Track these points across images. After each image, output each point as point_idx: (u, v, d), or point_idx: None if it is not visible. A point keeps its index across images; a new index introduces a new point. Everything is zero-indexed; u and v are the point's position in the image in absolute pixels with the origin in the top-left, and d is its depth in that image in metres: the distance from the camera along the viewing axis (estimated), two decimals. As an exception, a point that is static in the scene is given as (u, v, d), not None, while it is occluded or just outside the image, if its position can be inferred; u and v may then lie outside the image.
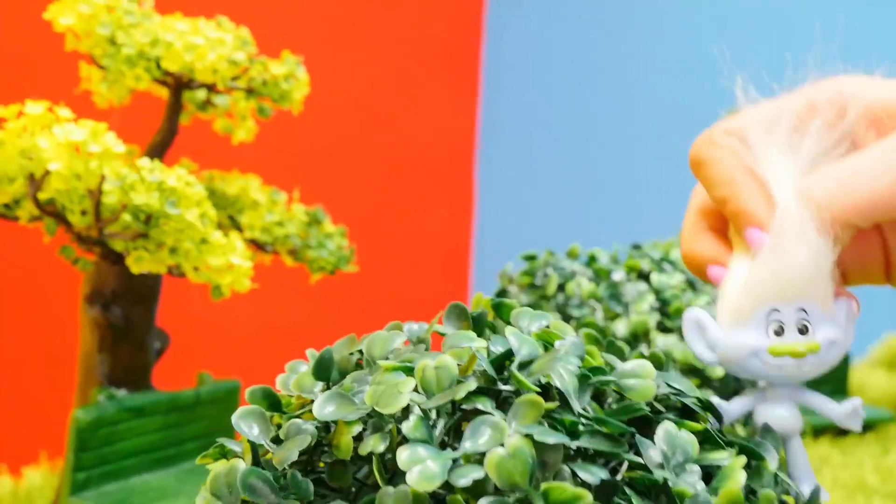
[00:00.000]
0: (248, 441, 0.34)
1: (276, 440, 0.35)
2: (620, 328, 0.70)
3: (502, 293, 0.79)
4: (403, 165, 1.57)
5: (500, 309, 0.41)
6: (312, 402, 0.34)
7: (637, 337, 0.69)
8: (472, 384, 0.32)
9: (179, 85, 0.67)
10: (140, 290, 0.67)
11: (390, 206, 1.53)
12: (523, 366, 0.34)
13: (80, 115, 0.65)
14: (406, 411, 0.32)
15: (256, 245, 0.75)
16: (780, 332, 0.37)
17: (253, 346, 1.13)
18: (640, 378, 0.37)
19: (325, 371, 0.36)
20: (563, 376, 0.33)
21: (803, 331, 0.37)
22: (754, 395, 0.39)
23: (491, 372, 0.33)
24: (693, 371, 0.70)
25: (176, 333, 0.75)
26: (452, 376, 0.32)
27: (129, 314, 0.66)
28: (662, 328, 0.70)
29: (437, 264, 1.68)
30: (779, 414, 0.38)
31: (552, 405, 0.31)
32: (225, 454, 0.37)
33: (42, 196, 0.56)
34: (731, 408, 0.39)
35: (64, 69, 0.72)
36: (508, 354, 0.34)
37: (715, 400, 0.39)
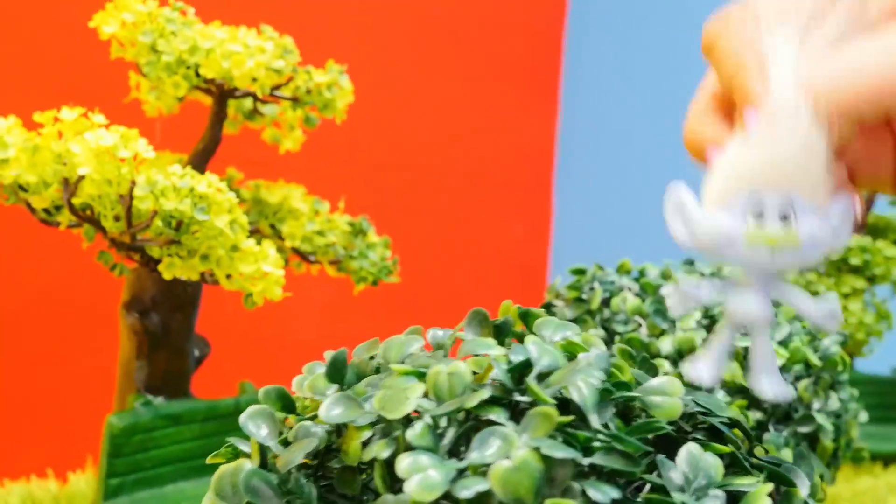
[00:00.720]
0: (256, 442, 0.34)
1: (287, 443, 0.34)
2: (666, 345, 0.68)
3: (547, 307, 0.77)
4: (476, 178, 1.54)
5: (527, 318, 0.40)
6: (326, 404, 0.33)
7: (682, 354, 0.67)
8: (484, 393, 0.30)
9: (223, 93, 0.67)
10: (179, 297, 0.67)
11: (465, 218, 1.51)
12: (542, 377, 0.32)
13: (132, 124, 0.66)
14: (416, 418, 0.31)
15: (300, 255, 0.74)
16: (760, 218, 0.35)
17: (299, 356, 1.12)
18: (666, 395, 0.35)
19: (338, 373, 0.35)
20: (582, 389, 0.31)
21: (784, 219, 0.35)
22: (726, 281, 0.37)
23: (506, 381, 0.31)
24: (741, 391, 0.67)
25: (219, 341, 0.75)
26: (465, 384, 0.31)
27: (167, 321, 0.66)
28: (710, 346, 0.68)
29: (510, 279, 1.66)
30: (748, 303, 0.36)
31: (567, 419, 0.30)
32: (237, 454, 0.36)
33: (76, 201, 0.56)
34: (701, 293, 0.37)
35: (117, 77, 0.73)
36: (527, 364, 0.33)
37: (682, 283, 0.37)
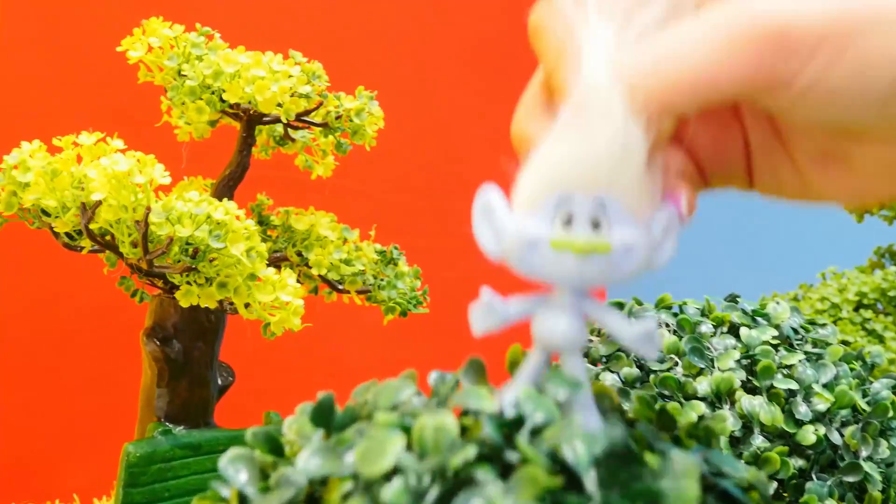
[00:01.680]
0: (235, 489, 0.32)
1: (269, 489, 0.32)
2: (703, 385, 0.64)
3: (581, 342, 0.74)
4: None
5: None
6: (310, 452, 0.31)
7: (720, 396, 0.64)
8: (470, 451, 0.28)
9: (250, 118, 0.66)
10: (202, 325, 0.66)
11: None
12: (536, 432, 0.30)
13: (166, 149, 0.65)
14: (398, 474, 0.29)
15: (329, 283, 0.73)
16: (568, 223, 0.31)
17: (327, 387, 1.11)
18: (680, 481, 0.32)
19: (323, 418, 0.33)
20: (577, 449, 0.29)
21: (596, 226, 0.31)
22: (536, 298, 0.33)
23: (494, 438, 0.29)
24: (782, 436, 0.64)
25: (244, 370, 0.74)
26: (452, 439, 0.29)
27: (189, 349, 0.65)
28: (749, 388, 0.65)
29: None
30: (557, 322, 0.32)
31: (557, 482, 0.27)
32: (222, 500, 0.34)
33: (94, 226, 0.55)
34: (509, 309, 0.33)
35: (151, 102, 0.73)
36: (521, 420, 0.30)
37: (486, 295, 0.33)
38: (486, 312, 0.33)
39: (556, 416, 0.31)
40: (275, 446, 0.34)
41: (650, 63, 0.31)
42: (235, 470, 0.32)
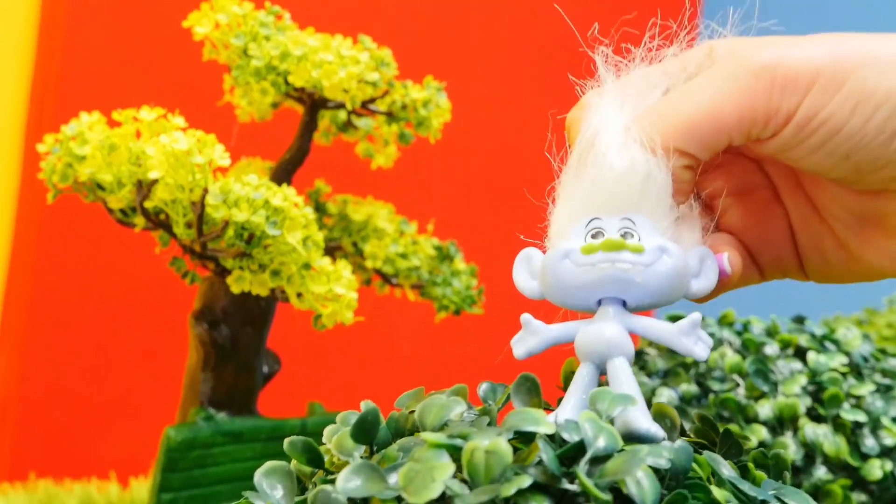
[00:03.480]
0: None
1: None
2: (765, 410, 0.62)
3: (638, 354, 0.72)
4: None
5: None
6: (351, 467, 0.30)
7: (783, 422, 0.61)
8: (525, 480, 0.26)
9: (314, 103, 0.65)
10: (252, 311, 0.64)
11: None
12: (597, 461, 0.28)
13: (225, 129, 0.64)
14: (445, 501, 0.27)
15: (382, 276, 0.71)
16: (598, 237, 0.33)
17: (372, 378, 1.09)
18: None
19: (366, 434, 0.31)
20: (642, 484, 0.27)
21: (626, 236, 0.33)
22: (578, 321, 0.34)
23: (553, 467, 0.27)
24: (845, 469, 0.61)
25: (290, 359, 0.72)
26: (505, 465, 0.27)
27: (237, 334, 0.64)
28: (814, 415, 0.62)
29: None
30: (602, 328, 0.33)
31: (619, 520, 0.25)
32: (257, 513, 0.33)
33: (149, 205, 0.54)
34: (551, 331, 0.34)
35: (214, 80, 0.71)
36: (581, 446, 0.28)
37: (527, 319, 0.35)
38: (528, 335, 0.34)
39: (618, 443, 0.29)
40: (313, 457, 0.32)
41: (661, 110, 0.34)
42: (271, 485, 0.30)
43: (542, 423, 0.28)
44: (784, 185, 0.39)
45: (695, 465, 0.30)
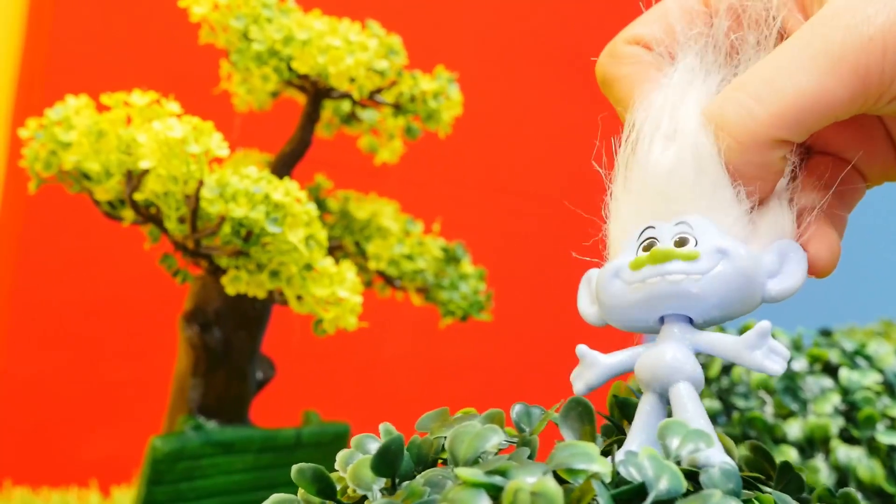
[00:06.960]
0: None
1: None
2: (794, 429, 0.58)
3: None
4: (592, 212, 1.44)
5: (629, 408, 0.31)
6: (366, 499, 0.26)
7: (813, 443, 0.57)
8: (580, 528, 0.22)
9: (317, 92, 0.60)
10: (246, 313, 0.60)
11: (573, 256, 1.41)
12: (660, 506, 0.24)
13: (220, 119, 0.59)
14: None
15: (385, 278, 0.67)
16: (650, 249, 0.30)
17: (371, 387, 1.04)
18: None
19: (388, 466, 0.27)
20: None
21: (681, 244, 0.29)
22: (637, 347, 0.30)
23: (611, 512, 0.23)
24: (879, 494, 0.57)
25: (285, 364, 0.68)
26: (556, 510, 0.23)
27: (229, 338, 0.59)
28: (846, 437, 0.58)
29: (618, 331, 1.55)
30: (663, 352, 0.29)
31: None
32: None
33: (138, 197, 0.49)
34: (609, 360, 0.30)
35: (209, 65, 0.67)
36: (641, 489, 0.24)
37: (580, 349, 0.31)
38: (585, 368, 0.30)
39: (682, 486, 0.24)
40: (324, 486, 0.28)
41: (759, 93, 0.29)
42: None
43: (597, 459, 0.24)
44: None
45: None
